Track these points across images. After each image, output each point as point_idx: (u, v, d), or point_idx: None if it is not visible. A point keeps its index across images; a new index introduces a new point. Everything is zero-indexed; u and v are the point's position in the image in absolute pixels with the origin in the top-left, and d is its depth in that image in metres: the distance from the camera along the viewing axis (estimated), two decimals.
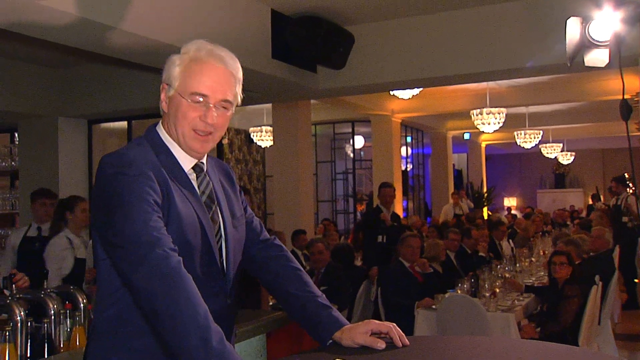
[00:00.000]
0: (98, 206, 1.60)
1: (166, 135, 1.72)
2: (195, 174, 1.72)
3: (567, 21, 3.30)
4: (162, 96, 1.71)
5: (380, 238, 6.84)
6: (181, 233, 1.60)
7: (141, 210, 1.51)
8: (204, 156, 1.76)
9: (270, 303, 4.51)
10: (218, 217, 1.73)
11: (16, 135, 7.98)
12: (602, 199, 15.88)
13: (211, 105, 1.66)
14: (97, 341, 1.64)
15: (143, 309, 1.49)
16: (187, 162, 1.71)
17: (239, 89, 1.74)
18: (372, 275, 6.42)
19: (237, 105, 1.76)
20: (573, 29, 3.27)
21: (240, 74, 1.74)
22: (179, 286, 1.43)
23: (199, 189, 1.71)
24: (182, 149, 1.70)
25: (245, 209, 1.90)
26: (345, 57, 5.95)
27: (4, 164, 7.92)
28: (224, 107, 1.68)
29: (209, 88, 1.65)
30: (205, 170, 1.76)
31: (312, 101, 8.62)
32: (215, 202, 1.74)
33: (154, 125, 1.76)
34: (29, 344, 2.89)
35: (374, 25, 6.01)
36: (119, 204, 1.53)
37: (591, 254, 6.52)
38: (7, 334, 2.72)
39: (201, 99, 1.65)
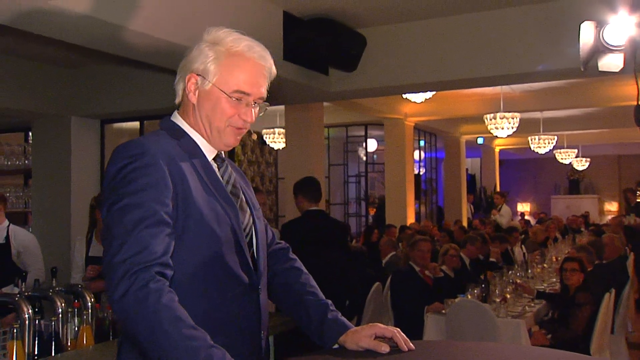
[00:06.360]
0: (104, 198, 1.55)
1: (185, 124, 1.68)
2: (216, 165, 1.69)
3: (581, 25, 3.26)
4: (190, 87, 1.65)
5: None
6: (204, 225, 1.54)
7: (136, 217, 1.44)
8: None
9: None
10: (246, 206, 1.70)
11: (30, 134, 8.03)
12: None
13: (251, 103, 1.65)
14: (128, 353, 1.56)
15: (125, 332, 1.44)
16: (208, 152, 1.68)
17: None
18: None
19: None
20: (587, 33, 3.23)
21: (274, 69, 1.71)
22: (156, 310, 1.35)
23: (222, 178, 1.68)
24: (210, 142, 1.67)
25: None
26: (357, 60, 5.93)
27: (17, 162, 7.98)
28: (257, 104, 1.68)
29: (252, 86, 1.64)
30: (225, 161, 1.73)
31: (325, 104, 8.60)
32: (242, 191, 1.71)
33: (168, 116, 1.72)
34: (36, 342, 2.90)
35: (386, 27, 5.98)
36: (117, 206, 1.47)
37: (603, 261, 6.45)
38: (15, 331, 2.73)
39: (243, 98, 1.64)
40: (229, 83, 1.62)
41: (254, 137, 11.28)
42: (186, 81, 1.66)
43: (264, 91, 1.68)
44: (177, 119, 1.70)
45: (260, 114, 1.71)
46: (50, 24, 3.81)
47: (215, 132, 1.65)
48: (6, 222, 4.84)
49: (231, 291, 1.59)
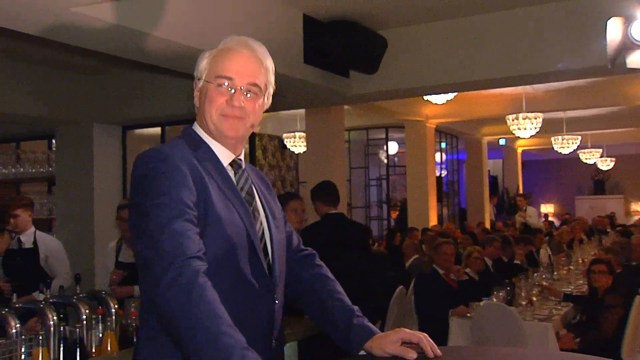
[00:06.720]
0: (132, 207, 1.58)
1: (202, 131, 1.71)
2: (233, 171, 1.70)
3: (608, 22, 3.20)
4: (195, 92, 1.73)
5: None
6: (221, 230, 1.56)
7: (168, 214, 1.47)
8: (240, 152, 1.75)
9: None
10: (259, 214, 1.70)
11: (53, 141, 8.12)
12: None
13: (238, 88, 1.65)
14: (147, 347, 1.59)
15: (162, 325, 1.44)
16: (225, 158, 1.70)
17: (270, 78, 1.73)
18: None
19: (270, 96, 1.74)
20: (614, 30, 3.17)
21: (269, 62, 1.73)
22: (199, 305, 1.37)
23: (237, 184, 1.69)
24: (216, 139, 1.69)
25: (285, 222, 1.86)
26: (377, 62, 5.90)
27: (41, 169, 8.08)
28: (252, 92, 1.67)
29: (233, 71, 1.66)
30: (243, 167, 1.74)
31: (346, 107, 8.57)
32: (255, 199, 1.72)
33: (189, 125, 1.76)
34: (61, 349, 2.91)
35: (407, 29, 5.94)
36: (147, 206, 1.50)
37: (632, 262, 6.33)
38: (40, 338, 2.75)
39: (227, 83, 1.65)
40: (213, 73, 1.67)
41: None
42: (194, 89, 1.73)
43: (257, 80, 1.68)
44: (196, 127, 1.74)
45: (251, 101, 1.69)
46: (77, 33, 3.84)
47: (212, 125, 1.68)
48: (32, 228, 4.94)
49: (243, 293, 1.60)
